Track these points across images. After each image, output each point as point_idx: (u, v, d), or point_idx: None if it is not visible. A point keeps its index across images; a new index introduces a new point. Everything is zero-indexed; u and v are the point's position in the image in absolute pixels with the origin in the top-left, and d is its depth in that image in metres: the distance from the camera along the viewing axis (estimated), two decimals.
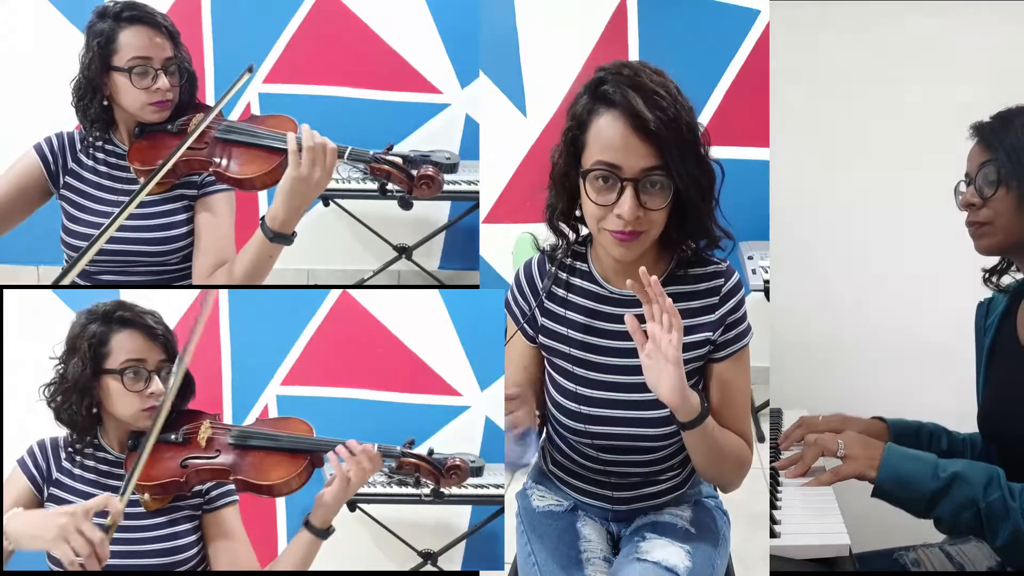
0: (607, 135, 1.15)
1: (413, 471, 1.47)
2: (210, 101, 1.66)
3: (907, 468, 1.27)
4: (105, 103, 1.55)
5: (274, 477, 1.35)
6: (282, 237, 1.47)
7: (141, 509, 1.35)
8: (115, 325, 1.36)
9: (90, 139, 1.59)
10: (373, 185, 2.53)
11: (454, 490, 2.01)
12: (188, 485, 1.35)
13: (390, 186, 1.56)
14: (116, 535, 1.28)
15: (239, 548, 1.40)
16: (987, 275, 1.43)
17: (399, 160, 1.51)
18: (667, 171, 1.14)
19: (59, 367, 1.38)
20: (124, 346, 1.35)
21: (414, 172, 1.51)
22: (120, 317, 1.36)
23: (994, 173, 1.29)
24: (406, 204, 1.60)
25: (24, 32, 2.56)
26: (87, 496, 1.37)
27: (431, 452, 1.46)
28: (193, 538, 1.38)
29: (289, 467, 1.36)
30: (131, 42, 1.50)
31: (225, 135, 1.53)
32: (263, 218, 1.47)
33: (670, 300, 1.14)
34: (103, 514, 1.23)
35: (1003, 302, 1.41)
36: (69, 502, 1.39)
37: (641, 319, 1.17)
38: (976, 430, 1.47)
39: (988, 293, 1.45)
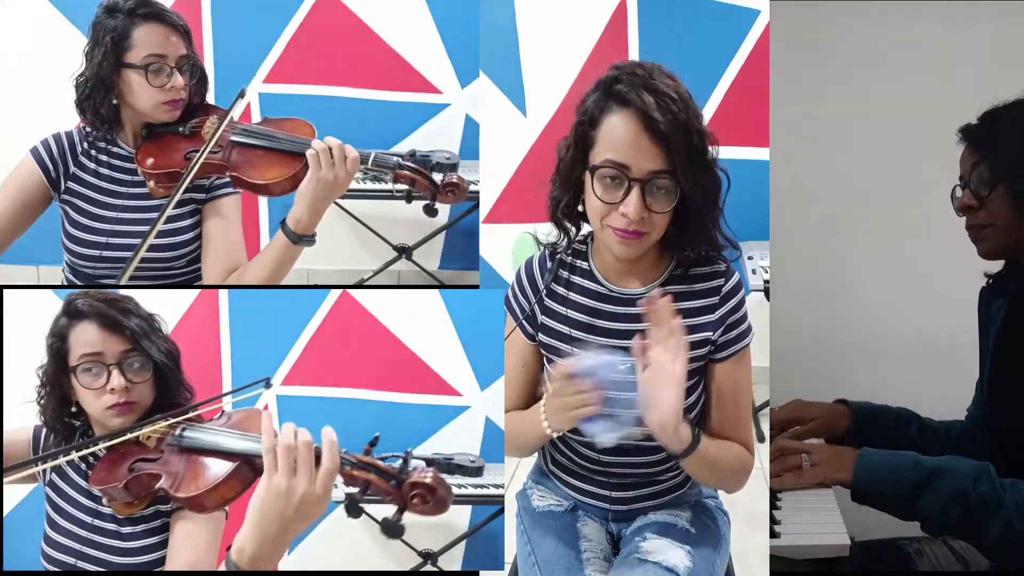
0: (618, 134, 1.16)
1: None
2: (210, 101, 1.65)
3: (884, 461, 1.25)
4: (114, 102, 1.52)
5: (191, 488, 1.17)
6: (307, 239, 1.49)
7: None
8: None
9: (92, 139, 1.56)
10: (374, 185, 2.53)
11: (454, 490, 2.01)
12: (132, 493, 1.23)
13: (415, 192, 1.56)
14: None
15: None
16: (990, 280, 1.42)
17: (423, 167, 1.52)
18: (674, 175, 1.15)
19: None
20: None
21: (439, 179, 1.52)
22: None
23: (987, 172, 1.29)
24: (431, 211, 1.59)
25: (24, 32, 2.56)
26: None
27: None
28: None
29: (215, 472, 1.17)
30: (147, 39, 1.48)
31: (242, 139, 1.52)
32: (284, 223, 1.48)
33: (678, 322, 1.13)
34: None
35: (1006, 302, 1.40)
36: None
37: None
38: (957, 418, 1.46)
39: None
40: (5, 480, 1.21)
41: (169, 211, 1.49)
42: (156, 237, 1.51)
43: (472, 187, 2.56)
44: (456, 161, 2.62)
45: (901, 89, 2.16)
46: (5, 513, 1.46)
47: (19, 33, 2.57)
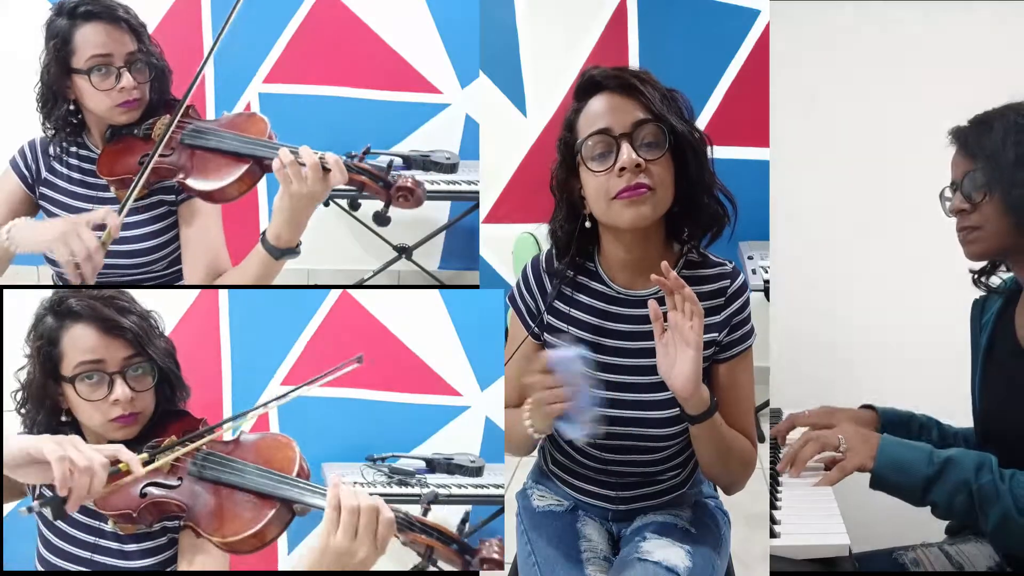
0: (594, 109, 1.21)
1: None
2: (210, 102, 1.64)
3: (903, 455, 1.28)
4: (72, 107, 1.47)
5: (230, 531, 1.10)
6: (290, 251, 1.40)
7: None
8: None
9: (62, 145, 1.51)
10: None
11: (454, 490, 2.01)
12: (145, 519, 1.15)
13: (367, 196, 1.43)
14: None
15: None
16: (976, 276, 1.43)
17: (374, 168, 1.39)
18: (656, 121, 1.18)
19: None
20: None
21: (392, 181, 1.39)
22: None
23: (982, 178, 1.29)
24: (382, 220, 1.41)
25: (24, 33, 2.56)
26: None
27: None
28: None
29: (253, 515, 1.10)
30: (89, 40, 1.40)
31: (191, 140, 1.43)
32: (264, 236, 1.40)
33: (690, 289, 1.15)
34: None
35: (999, 300, 1.41)
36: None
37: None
38: (969, 425, 1.47)
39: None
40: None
41: (126, 219, 1.41)
42: (121, 244, 1.45)
43: (472, 187, 2.56)
44: (456, 161, 2.62)
45: (901, 89, 2.16)
46: (5, 513, 1.46)
47: (19, 34, 2.57)
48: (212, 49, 1.45)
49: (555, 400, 1.13)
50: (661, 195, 1.19)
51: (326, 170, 1.35)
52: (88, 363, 1.17)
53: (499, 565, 1.11)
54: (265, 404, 1.26)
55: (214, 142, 1.42)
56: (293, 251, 1.41)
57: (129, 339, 1.19)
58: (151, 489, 1.14)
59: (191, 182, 1.42)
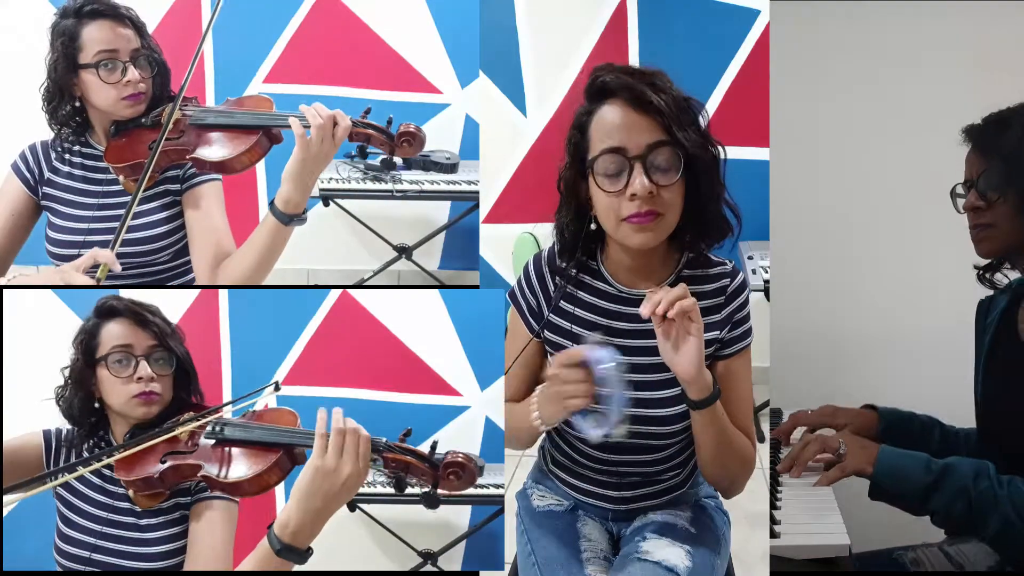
0: (608, 120, 1.18)
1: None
2: (211, 102, 1.65)
3: (901, 463, 1.29)
4: (77, 104, 1.52)
5: (238, 474, 1.27)
6: (298, 218, 1.46)
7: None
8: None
9: (65, 144, 1.55)
10: (375, 185, 2.53)
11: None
12: (165, 483, 1.32)
13: (371, 148, 1.54)
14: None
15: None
16: (981, 272, 1.43)
17: (376, 122, 1.50)
18: (671, 144, 1.15)
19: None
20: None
21: (394, 131, 1.51)
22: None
23: (996, 177, 1.29)
24: (390, 164, 1.55)
25: (24, 32, 2.56)
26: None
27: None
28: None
29: (259, 460, 1.26)
30: (95, 36, 1.46)
31: (199, 121, 1.50)
32: (272, 204, 1.46)
33: (678, 308, 1.11)
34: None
35: (1003, 301, 1.42)
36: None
37: None
38: (970, 425, 1.47)
39: (988, 292, 1.45)
40: (33, 490, 1.26)
41: (136, 207, 1.46)
42: (129, 232, 1.49)
43: (472, 187, 2.56)
44: (456, 161, 2.62)
45: (901, 89, 2.16)
46: (5, 513, 1.46)
47: (19, 33, 2.57)
48: (208, 27, 1.48)
49: (579, 395, 1.14)
50: (670, 219, 1.18)
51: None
52: (119, 347, 1.35)
53: (462, 467, 1.25)
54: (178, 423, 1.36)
55: (223, 119, 1.50)
56: (301, 218, 1.47)
57: (154, 331, 1.37)
58: (172, 456, 1.30)
59: (201, 152, 1.49)
